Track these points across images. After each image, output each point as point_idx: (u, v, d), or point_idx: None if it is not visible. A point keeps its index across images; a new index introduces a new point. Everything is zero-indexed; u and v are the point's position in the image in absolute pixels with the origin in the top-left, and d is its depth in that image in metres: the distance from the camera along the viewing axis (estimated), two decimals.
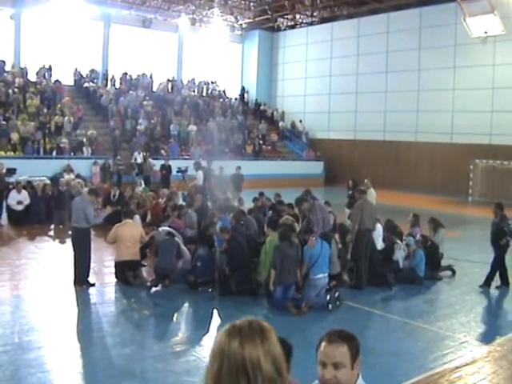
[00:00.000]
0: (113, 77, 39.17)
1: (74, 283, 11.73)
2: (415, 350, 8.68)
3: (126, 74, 39.56)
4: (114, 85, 38.63)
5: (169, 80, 42.34)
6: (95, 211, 12.41)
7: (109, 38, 40.23)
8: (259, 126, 42.56)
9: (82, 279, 11.78)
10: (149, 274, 12.76)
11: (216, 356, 2.25)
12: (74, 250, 12.11)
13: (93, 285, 11.80)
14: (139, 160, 30.29)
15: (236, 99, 46.01)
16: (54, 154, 29.52)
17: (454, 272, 13.69)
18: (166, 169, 28.53)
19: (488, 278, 12.50)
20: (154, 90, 40.70)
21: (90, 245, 12.20)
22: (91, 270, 12.13)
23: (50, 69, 36.43)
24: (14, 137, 28.67)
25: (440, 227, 13.87)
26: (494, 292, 12.66)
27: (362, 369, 3.13)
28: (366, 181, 18.64)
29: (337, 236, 13.02)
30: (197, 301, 11.33)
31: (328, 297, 10.69)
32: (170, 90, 41.67)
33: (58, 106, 33.06)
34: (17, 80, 33.48)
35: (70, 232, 17.57)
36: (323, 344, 3.02)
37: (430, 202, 28.42)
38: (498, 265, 12.54)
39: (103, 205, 19.48)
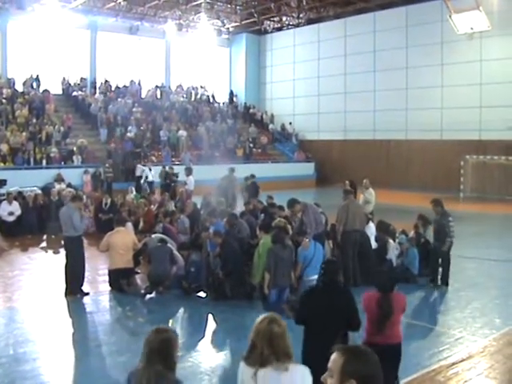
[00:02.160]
0: (101, 85, 39.12)
1: (66, 294, 11.68)
2: (411, 348, 8.67)
3: (107, 81, 39.50)
4: (102, 93, 38.55)
5: (157, 86, 42.30)
6: (81, 216, 12.31)
7: (96, 45, 40.15)
8: (249, 129, 42.54)
9: (75, 288, 11.74)
10: (143, 281, 12.73)
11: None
12: (67, 260, 12.06)
13: (87, 294, 11.76)
14: (150, 176, 28.77)
15: (224, 103, 46.02)
16: (44, 163, 29.41)
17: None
18: (170, 176, 27.15)
19: (443, 277, 12.46)
20: (143, 96, 40.67)
21: (83, 253, 12.16)
22: (85, 279, 12.09)
23: (37, 79, 36.36)
24: (4, 148, 28.56)
25: (429, 224, 13.85)
26: (488, 287, 12.69)
27: None
28: (364, 181, 18.58)
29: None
30: (191, 306, 11.32)
31: None
32: (158, 96, 41.63)
33: (47, 115, 33.00)
34: (4, 91, 33.40)
35: (61, 242, 17.64)
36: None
37: (422, 200, 28.30)
38: (447, 260, 12.48)
39: (95, 213, 19.49)
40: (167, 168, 27.69)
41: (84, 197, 18.80)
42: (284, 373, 4.00)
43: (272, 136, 44.12)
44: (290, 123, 44.97)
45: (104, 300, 11.80)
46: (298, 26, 45.73)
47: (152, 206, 17.75)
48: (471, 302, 11.32)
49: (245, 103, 46.86)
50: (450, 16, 31.73)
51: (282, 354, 4.09)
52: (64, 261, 12.15)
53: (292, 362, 4.09)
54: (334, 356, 2.89)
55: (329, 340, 5.12)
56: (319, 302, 6.20)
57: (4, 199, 19.91)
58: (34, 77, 36.28)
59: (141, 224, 16.22)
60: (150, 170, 28.75)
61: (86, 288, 11.92)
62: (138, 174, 29.51)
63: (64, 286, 11.81)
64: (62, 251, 16.31)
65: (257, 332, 4.19)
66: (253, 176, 20.86)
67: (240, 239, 12.66)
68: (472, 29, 31.58)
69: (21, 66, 36.49)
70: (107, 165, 30.15)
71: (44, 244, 18.54)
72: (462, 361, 8.27)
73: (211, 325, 10.28)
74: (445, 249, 12.29)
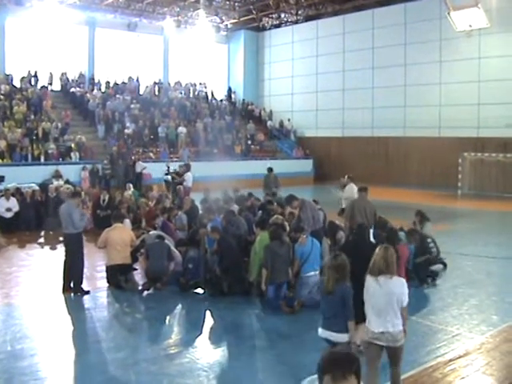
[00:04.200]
0: (99, 81, 39.07)
1: (63, 291, 11.67)
2: (408, 345, 8.64)
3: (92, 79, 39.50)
4: (100, 89, 38.52)
5: (155, 83, 42.27)
6: (81, 214, 12.27)
7: (94, 42, 40.12)
8: (247, 126, 42.54)
9: (75, 286, 11.72)
10: (140, 277, 12.73)
11: None
12: (66, 257, 12.05)
13: (87, 292, 11.72)
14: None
15: (222, 100, 45.99)
16: (42, 160, 29.40)
17: (445, 265, 13.70)
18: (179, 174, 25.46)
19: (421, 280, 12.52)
20: (141, 93, 40.63)
21: (82, 251, 12.10)
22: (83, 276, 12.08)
23: (35, 75, 36.34)
24: (2, 144, 28.52)
25: (426, 221, 13.85)
26: (485, 284, 12.72)
27: None
28: (346, 177, 18.50)
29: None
30: (189, 303, 11.32)
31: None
32: (156, 93, 41.59)
33: (45, 111, 33.00)
34: (2, 87, 33.40)
35: (59, 238, 17.62)
36: (328, 380, 2.96)
37: (420, 197, 28.51)
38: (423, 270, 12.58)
39: (93, 210, 19.48)
40: (177, 167, 27.20)
41: (82, 193, 18.77)
42: (391, 279, 6.39)
43: (270, 133, 44.12)
44: (289, 120, 44.97)
45: (102, 296, 11.78)
46: (296, 22, 45.74)
47: (150, 203, 17.73)
48: (468, 299, 11.32)
49: (243, 100, 46.84)
50: (449, 13, 31.78)
51: (390, 268, 6.43)
52: (63, 257, 12.14)
53: (395, 275, 6.44)
54: (343, 360, 3.04)
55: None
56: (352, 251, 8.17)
57: (2, 195, 19.89)
58: (33, 73, 36.24)
59: (143, 223, 16.20)
60: (168, 167, 27.65)
61: (84, 284, 11.87)
62: (138, 170, 29.45)
63: (62, 282, 11.80)
64: (60, 247, 16.39)
65: (376, 254, 6.56)
66: (271, 169, 22.59)
67: (238, 236, 12.68)
68: (470, 26, 31.64)
69: (19, 62, 36.46)
70: (105, 161, 30.13)
71: (42, 240, 18.53)
72: (459, 357, 8.28)
73: (209, 321, 10.27)
74: (419, 261, 12.39)
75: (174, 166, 27.18)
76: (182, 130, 36.68)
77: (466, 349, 8.65)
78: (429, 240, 12.83)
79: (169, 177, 26.08)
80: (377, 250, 6.60)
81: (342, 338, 6.80)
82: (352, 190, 16.72)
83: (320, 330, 7.06)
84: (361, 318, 6.71)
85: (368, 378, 6.19)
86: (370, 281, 6.45)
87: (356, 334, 7.01)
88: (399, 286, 6.37)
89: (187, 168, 23.44)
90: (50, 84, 37.12)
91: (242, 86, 47.67)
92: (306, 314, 10.30)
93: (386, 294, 6.28)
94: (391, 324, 6.28)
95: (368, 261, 6.71)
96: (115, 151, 31.01)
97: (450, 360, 8.12)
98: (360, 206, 12.72)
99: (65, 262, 11.99)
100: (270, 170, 22.29)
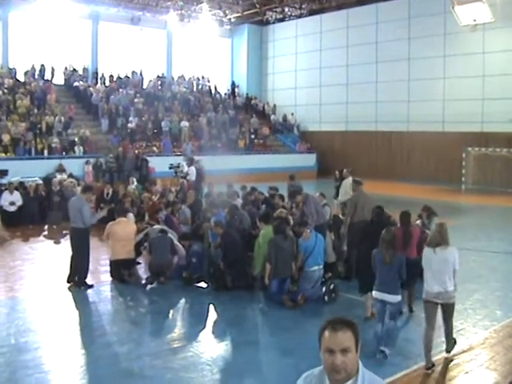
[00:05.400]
0: (102, 75, 39.05)
1: (68, 281, 11.68)
2: (413, 339, 8.69)
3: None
4: (104, 83, 38.50)
5: (159, 77, 42.23)
6: (92, 210, 12.28)
7: (98, 36, 40.10)
8: (251, 120, 42.49)
9: (79, 281, 11.72)
10: (144, 271, 12.75)
11: None
12: (72, 251, 12.05)
13: (91, 286, 11.72)
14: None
15: (226, 94, 45.93)
16: (46, 154, 29.40)
17: None
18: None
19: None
20: (145, 87, 40.59)
21: (88, 246, 12.06)
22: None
23: (39, 69, 36.31)
24: (5, 138, 28.53)
25: (433, 216, 13.81)
26: (489, 279, 12.71)
27: (362, 358, 3.18)
28: (344, 171, 18.51)
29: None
30: (192, 297, 11.33)
31: (324, 289, 10.71)
32: (160, 87, 41.55)
33: (48, 105, 33.01)
34: (6, 81, 33.38)
35: (63, 232, 17.71)
36: (328, 332, 3.11)
37: (424, 191, 28.47)
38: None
39: (96, 203, 19.46)
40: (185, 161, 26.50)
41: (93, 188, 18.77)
42: (445, 249, 7.71)
43: (274, 127, 44.08)
44: (292, 114, 44.92)
45: (105, 290, 11.80)
46: (300, 16, 45.63)
47: (153, 197, 17.72)
48: (472, 294, 11.31)
49: (247, 94, 46.78)
50: (453, 7, 31.66)
51: (444, 240, 7.73)
52: (70, 251, 12.15)
53: (449, 246, 7.75)
54: (340, 336, 3.09)
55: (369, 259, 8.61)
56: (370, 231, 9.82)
57: (5, 189, 19.92)
58: (36, 67, 36.22)
59: (146, 217, 16.19)
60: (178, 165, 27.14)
61: (87, 279, 11.88)
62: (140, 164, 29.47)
63: (67, 275, 11.81)
64: (63, 241, 16.47)
65: (432, 230, 8.44)
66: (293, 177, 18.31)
67: (241, 230, 12.67)
68: (475, 20, 31.51)
69: (22, 56, 36.45)
70: (111, 155, 30.12)
71: (45, 234, 18.55)
72: (462, 352, 8.28)
73: (212, 315, 10.29)
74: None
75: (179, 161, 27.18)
76: (184, 124, 36.67)
77: (469, 343, 8.65)
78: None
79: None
80: (433, 226, 8.58)
81: (395, 298, 8.18)
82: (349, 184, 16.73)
83: (376, 293, 8.30)
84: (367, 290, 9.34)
85: (426, 332, 7.76)
86: (428, 251, 7.83)
87: (368, 303, 9.69)
88: (453, 254, 7.74)
89: (190, 162, 23.39)
90: (52, 77, 37.03)
91: (246, 80, 47.61)
92: (310, 308, 10.32)
93: (442, 261, 7.67)
94: (446, 285, 7.65)
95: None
96: (121, 151, 30.92)
97: (454, 355, 8.11)
98: (362, 202, 12.63)
99: (72, 256, 11.98)
100: (292, 178, 19.81)
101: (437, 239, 7.81)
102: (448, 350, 8.09)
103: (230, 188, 16.98)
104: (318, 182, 35.53)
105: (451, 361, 7.94)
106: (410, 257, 9.56)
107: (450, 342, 8.09)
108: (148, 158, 29.97)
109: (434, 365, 7.68)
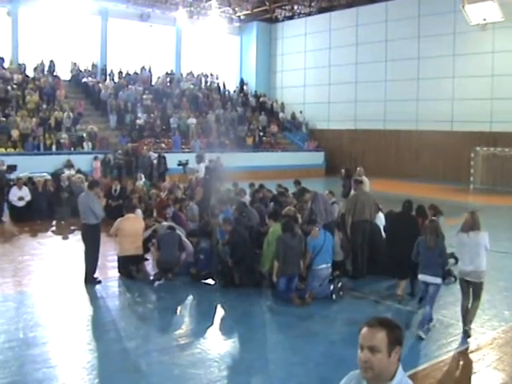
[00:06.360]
0: (111, 71, 39.09)
1: (85, 282, 11.70)
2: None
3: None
4: (113, 79, 38.56)
5: (167, 73, 42.25)
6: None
7: (107, 32, 40.15)
8: (259, 117, 42.48)
9: (88, 276, 11.74)
10: (152, 267, 12.77)
11: None
12: (85, 247, 12.08)
13: (99, 282, 11.76)
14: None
15: (235, 91, 45.92)
16: (54, 149, 29.49)
17: (457, 260, 13.62)
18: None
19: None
20: (153, 83, 40.62)
21: (99, 242, 12.10)
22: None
23: (49, 65, 36.37)
24: (14, 133, 28.63)
25: (439, 215, 13.77)
26: (497, 280, 12.66)
27: None
28: (358, 169, 18.58)
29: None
30: (200, 293, 11.33)
31: (331, 287, 10.70)
32: (168, 84, 41.57)
33: (57, 101, 33.10)
34: (15, 76, 33.46)
35: (71, 227, 17.79)
36: (363, 328, 3.09)
37: (432, 191, 28.39)
38: None
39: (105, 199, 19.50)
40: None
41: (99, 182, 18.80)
42: (478, 233, 8.80)
43: (282, 125, 44.06)
44: (301, 112, 44.90)
45: (113, 286, 11.82)
46: (309, 14, 45.55)
47: (162, 193, 17.74)
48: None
49: (255, 91, 46.77)
50: (463, 6, 31.57)
51: (477, 226, 8.84)
52: (83, 248, 12.15)
53: (480, 230, 8.85)
54: (372, 333, 3.05)
55: (403, 246, 10.06)
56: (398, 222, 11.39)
57: (14, 184, 19.99)
58: (45, 63, 36.28)
59: (154, 214, 16.22)
60: (187, 162, 26.92)
61: (95, 274, 11.91)
62: (153, 160, 29.51)
63: (84, 273, 11.83)
64: (72, 237, 16.54)
65: (466, 217, 9.03)
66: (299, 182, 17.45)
67: (250, 227, 12.67)
68: (485, 20, 31.40)
69: (32, 51, 36.54)
70: (119, 151, 30.17)
71: (53, 229, 18.59)
72: (470, 352, 8.27)
73: (220, 312, 10.29)
74: None
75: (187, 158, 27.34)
76: (192, 121, 36.69)
77: (477, 344, 8.65)
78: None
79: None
80: (466, 214, 9.16)
81: (436, 280, 8.96)
82: (365, 183, 16.77)
83: (420, 275, 9.12)
84: (404, 276, 10.79)
85: (462, 302, 9.03)
86: (462, 235, 8.93)
87: (399, 287, 10.79)
88: (484, 237, 8.84)
89: (200, 159, 23.39)
90: (61, 73, 37.13)
91: (255, 77, 47.57)
92: (317, 306, 10.32)
93: (475, 244, 8.75)
94: (477, 265, 8.72)
95: (410, 230, 10.61)
96: (130, 147, 30.93)
97: (462, 355, 8.10)
98: (362, 201, 12.61)
99: (85, 251, 12.00)
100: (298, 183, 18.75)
101: (470, 224, 8.87)
102: (467, 325, 9.00)
103: (236, 186, 17.00)
104: (326, 180, 35.49)
105: (459, 358, 7.94)
106: None
107: (472, 320, 9.05)
108: (155, 154, 29.98)
109: (469, 336, 8.85)
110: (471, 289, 8.96)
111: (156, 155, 29.45)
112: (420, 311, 9.72)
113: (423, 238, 9.25)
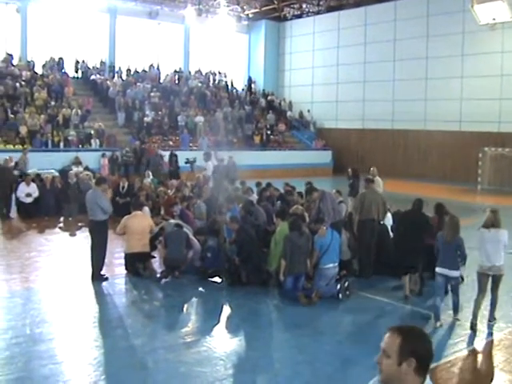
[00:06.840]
0: (119, 69, 39.15)
1: (92, 279, 11.73)
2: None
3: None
4: (121, 77, 38.61)
5: (176, 71, 42.28)
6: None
7: (115, 30, 40.20)
8: (267, 116, 42.47)
9: (94, 273, 11.77)
10: (158, 265, 12.78)
11: None
12: (93, 244, 12.11)
13: (106, 279, 11.78)
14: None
15: (243, 90, 45.91)
16: (62, 146, 29.56)
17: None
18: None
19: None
20: (161, 81, 40.66)
21: (106, 239, 12.15)
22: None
23: (58, 62, 36.45)
24: (23, 130, 28.71)
25: (445, 215, 13.69)
26: (504, 280, 12.59)
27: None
28: (372, 169, 18.58)
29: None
30: (207, 291, 11.34)
31: (338, 286, 10.69)
32: (177, 81, 41.59)
33: (66, 98, 33.19)
34: (24, 73, 33.56)
35: (78, 224, 17.82)
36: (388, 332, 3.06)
37: (440, 191, 28.29)
38: None
39: (112, 197, 19.53)
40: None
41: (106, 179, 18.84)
42: (498, 231, 9.22)
43: (290, 123, 44.02)
44: (309, 111, 44.86)
45: (120, 283, 11.84)
46: (317, 13, 45.48)
47: (169, 191, 17.76)
48: (488, 295, 11.22)
49: (263, 90, 46.73)
50: (472, 6, 31.40)
51: (498, 223, 9.23)
52: (90, 245, 12.18)
53: (501, 227, 9.24)
54: (388, 337, 2.98)
55: (414, 242, 10.69)
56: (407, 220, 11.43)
57: (22, 181, 20.05)
58: (54, 60, 36.36)
59: (162, 212, 16.24)
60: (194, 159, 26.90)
61: (102, 271, 11.94)
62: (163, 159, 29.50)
63: (91, 270, 11.86)
64: (79, 234, 16.57)
65: (487, 216, 9.40)
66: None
67: (257, 226, 12.66)
68: (494, 19, 31.22)
69: (40, 48, 36.63)
70: (127, 148, 30.20)
71: (61, 226, 18.62)
72: (477, 353, 8.24)
73: (226, 310, 10.30)
74: None
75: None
76: (199, 119, 36.72)
77: (484, 345, 8.61)
78: None
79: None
80: (487, 212, 9.50)
81: (455, 273, 9.40)
82: (378, 183, 16.88)
83: (438, 269, 9.41)
84: (407, 270, 10.86)
85: (478, 297, 9.39)
86: (483, 231, 9.34)
87: (406, 284, 10.88)
88: (504, 235, 9.29)
89: (207, 157, 23.39)
90: (71, 70, 37.24)
91: (263, 76, 47.55)
92: (324, 305, 10.30)
93: (495, 240, 9.22)
94: (497, 260, 9.24)
95: (419, 226, 10.91)
96: (138, 145, 30.91)
97: (468, 355, 8.08)
98: (370, 200, 12.58)
99: (92, 248, 12.03)
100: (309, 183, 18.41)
101: (492, 221, 9.33)
102: (490, 320, 9.55)
103: (243, 184, 17.00)
104: (333, 179, 35.44)
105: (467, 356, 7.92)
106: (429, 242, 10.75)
107: (494, 312, 9.59)
108: (163, 152, 29.96)
109: (475, 328, 9.16)
110: (491, 282, 9.39)
111: (167, 153, 29.39)
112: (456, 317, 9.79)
113: (442, 233, 9.61)
